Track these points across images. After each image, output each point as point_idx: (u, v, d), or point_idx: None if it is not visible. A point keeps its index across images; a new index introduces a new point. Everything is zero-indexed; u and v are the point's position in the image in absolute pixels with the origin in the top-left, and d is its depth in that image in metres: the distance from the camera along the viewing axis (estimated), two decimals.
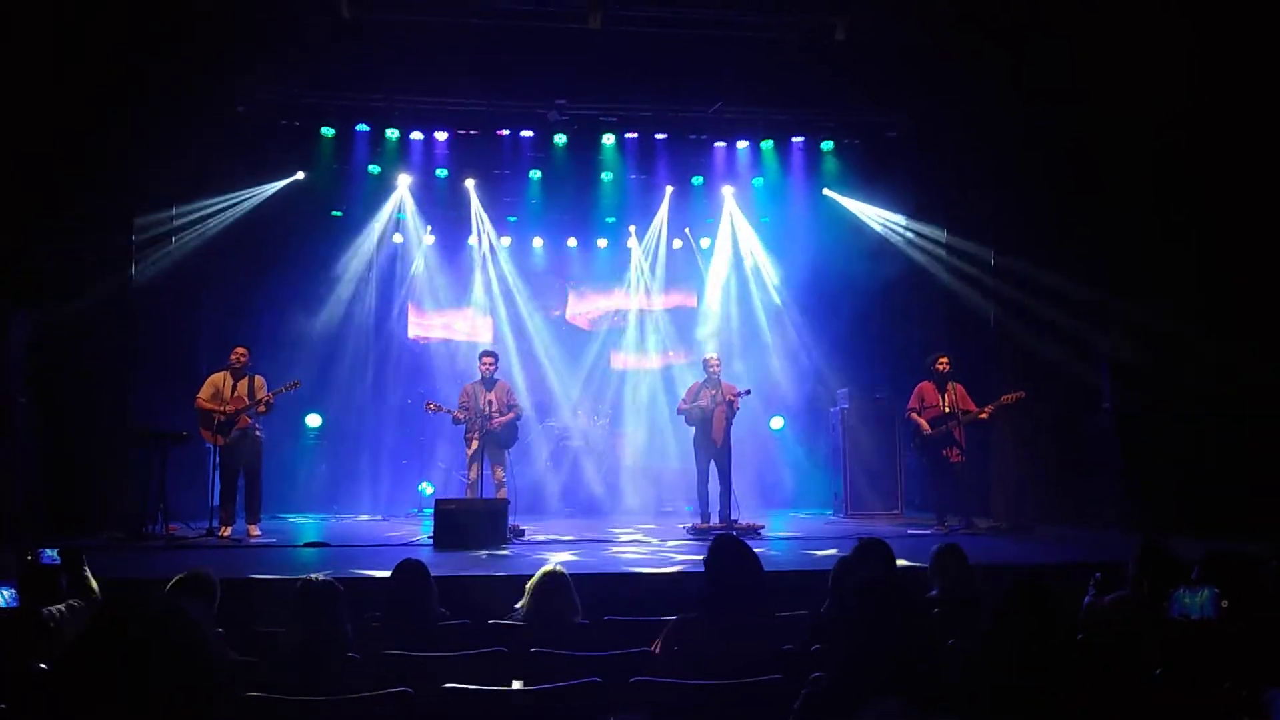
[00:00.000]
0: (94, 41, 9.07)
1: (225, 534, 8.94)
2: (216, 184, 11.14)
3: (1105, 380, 9.71)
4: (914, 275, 12.13)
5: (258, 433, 9.29)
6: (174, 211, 10.69)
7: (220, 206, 11.27)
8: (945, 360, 9.85)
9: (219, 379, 9.20)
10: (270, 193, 11.79)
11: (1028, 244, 10.34)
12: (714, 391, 9.77)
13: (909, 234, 12.21)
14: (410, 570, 4.60)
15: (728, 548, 4.19)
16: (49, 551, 4.30)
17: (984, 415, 9.65)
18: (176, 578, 4.47)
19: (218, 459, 9.30)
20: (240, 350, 9.26)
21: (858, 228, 12.76)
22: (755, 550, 4.25)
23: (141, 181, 10.09)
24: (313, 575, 3.96)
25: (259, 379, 9.29)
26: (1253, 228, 8.21)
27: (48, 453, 9.12)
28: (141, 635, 1.66)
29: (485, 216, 13.24)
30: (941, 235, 11.72)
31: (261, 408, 9.18)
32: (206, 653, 1.71)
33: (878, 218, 12.60)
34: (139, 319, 10.18)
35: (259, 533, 9.12)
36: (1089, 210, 9.60)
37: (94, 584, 4.51)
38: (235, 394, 9.10)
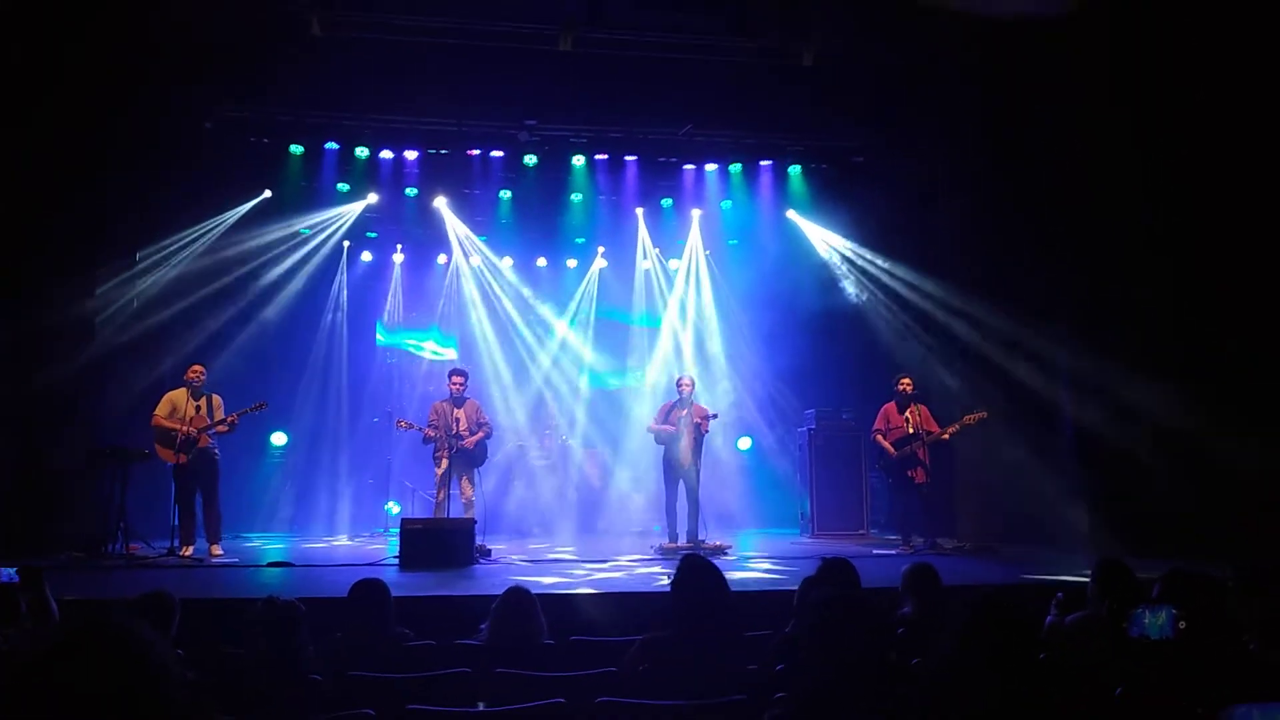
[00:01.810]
0: (69, 58, 8.99)
1: (186, 554, 8.81)
2: (183, 201, 11.07)
3: (1067, 401, 9.81)
4: (879, 297, 12.23)
5: (215, 452, 9.15)
6: (139, 231, 10.63)
7: (188, 231, 11.23)
8: (908, 381, 9.95)
9: (177, 396, 9.06)
10: (238, 216, 11.73)
11: (992, 265, 10.46)
12: (685, 412, 9.78)
13: (874, 256, 12.33)
14: (367, 589, 4.55)
15: (695, 567, 4.19)
16: (7, 570, 4.20)
17: (946, 436, 9.76)
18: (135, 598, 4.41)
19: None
20: (197, 368, 9.16)
21: (823, 250, 12.88)
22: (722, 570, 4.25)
23: (106, 199, 9.98)
24: (274, 595, 3.92)
25: (216, 398, 9.18)
26: (1218, 255, 8.32)
27: (6, 471, 8.97)
28: (98, 656, 1.64)
29: (470, 232, 13.21)
30: (906, 257, 11.84)
31: (224, 428, 9.06)
32: (166, 673, 1.69)
33: (843, 241, 12.72)
34: (100, 336, 10.04)
35: (221, 552, 9.00)
36: (1055, 231, 9.71)
37: (53, 605, 4.42)
38: (199, 413, 8.99)
